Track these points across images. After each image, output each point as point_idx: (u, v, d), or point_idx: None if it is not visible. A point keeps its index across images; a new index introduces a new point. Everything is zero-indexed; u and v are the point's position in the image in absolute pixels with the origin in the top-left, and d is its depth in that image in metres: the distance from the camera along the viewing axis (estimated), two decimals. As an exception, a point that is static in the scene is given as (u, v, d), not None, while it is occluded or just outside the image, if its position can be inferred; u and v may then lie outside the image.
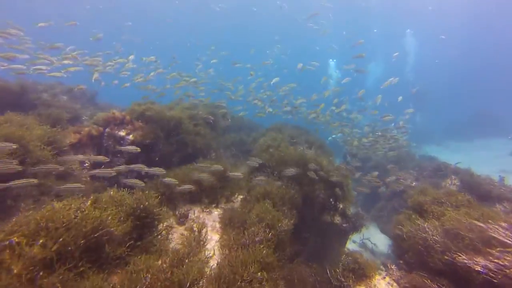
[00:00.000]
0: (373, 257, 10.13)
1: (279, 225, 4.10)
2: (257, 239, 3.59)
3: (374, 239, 10.36)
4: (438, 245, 4.11)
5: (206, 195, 5.37)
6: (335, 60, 32.01)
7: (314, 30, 25.99)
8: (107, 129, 7.65)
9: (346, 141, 13.28)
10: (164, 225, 3.98)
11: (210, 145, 8.47)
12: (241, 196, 5.72)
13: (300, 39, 39.18)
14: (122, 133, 7.69)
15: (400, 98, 13.63)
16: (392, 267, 4.83)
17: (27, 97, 9.39)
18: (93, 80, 10.63)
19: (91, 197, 3.52)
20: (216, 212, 5.19)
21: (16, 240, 2.71)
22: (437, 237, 4.19)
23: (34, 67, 8.87)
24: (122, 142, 7.71)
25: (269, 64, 18.00)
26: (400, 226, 6.05)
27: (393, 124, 12.95)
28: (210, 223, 4.85)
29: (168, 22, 36.08)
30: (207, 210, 5.15)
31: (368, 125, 14.11)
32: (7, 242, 2.67)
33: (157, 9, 35.72)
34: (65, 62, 9.92)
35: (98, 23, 29.98)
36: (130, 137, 7.82)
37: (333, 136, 15.60)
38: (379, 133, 11.81)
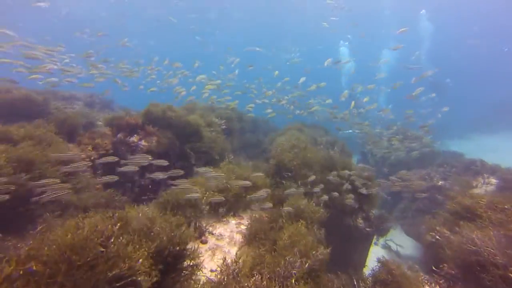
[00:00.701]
0: (399, 260, 9.59)
1: (313, 253, 3.58)
2: (293, 271, 3.11)
3: (398, 241, 9.78)
4: (499, 259, 3.50)
5: (222, 204, 5.04)
6: (346, 43, 30.73)
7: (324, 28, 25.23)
8: (119, 135, 7.52)
9: (367, 141, 12.74)
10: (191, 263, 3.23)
11: (226, 149, 8.23)
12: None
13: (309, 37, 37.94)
14: (134, 138, 7.55)
15: (420, 89, 12.77)
16: (440, 281, 4.17)
17: (48, 107, 9.56)
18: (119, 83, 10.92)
19: (117, 217, 2.89)
20: (233, 222, 4.89)
21: (34, 268, 2.26)
22: (493, 249, 3.59)
23: (66, 79, 9.33)
24: (134, 148, 7.58)
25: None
26: (433, 233, 5.56)
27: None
28: (228, 234, 4.55)
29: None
30: (224, 220, 4.85)
31: (389, 125, 13.51)
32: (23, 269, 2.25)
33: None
34: (93, 71, 10.22)
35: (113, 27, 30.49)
36: (143, 142, 7.68)
37: (347, 131, 15.03)
38: (398, 136, 11.23)
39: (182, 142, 7.89)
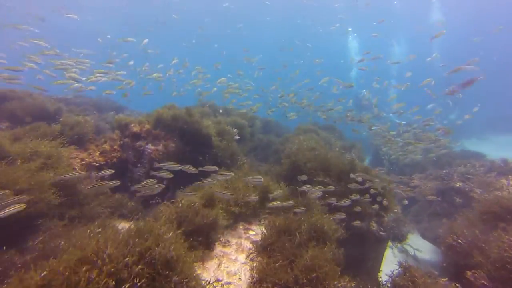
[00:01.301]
0: (417, 264, 9.14)
1: (336, 283, 3.23)
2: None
3: (415, 244, 9.33)
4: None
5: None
6: (355, 35, 29.90)
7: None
8: (126, 139, 7.50)
9: (382, 143, 12.34)
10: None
11: (236, 153, 8.04)
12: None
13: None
14: (142, 142, 7.51)
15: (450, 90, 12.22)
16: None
17: (60, 115, 9.76)
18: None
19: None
20: (241, 227, 4.70)
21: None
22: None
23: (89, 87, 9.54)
24: (142, 152, 7.54)
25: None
26: (454, 236, 5.18)
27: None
28: (235, 241, 4.39)
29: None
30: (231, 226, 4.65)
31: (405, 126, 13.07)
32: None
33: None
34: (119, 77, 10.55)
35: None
36: (150, 146, 7.63)
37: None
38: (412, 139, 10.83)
39: (193, 149, 7.71)
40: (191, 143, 7.52)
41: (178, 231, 3.13)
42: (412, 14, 31.76)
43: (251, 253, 4.23)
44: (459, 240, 4.46)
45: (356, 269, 5.53)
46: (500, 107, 30.60)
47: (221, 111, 12.12)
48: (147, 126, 7.37)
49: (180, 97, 15.30)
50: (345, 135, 13.55)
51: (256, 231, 4.83)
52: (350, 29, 27.97)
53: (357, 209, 5.39)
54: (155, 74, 11.96)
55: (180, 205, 4.05)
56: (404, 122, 13.37)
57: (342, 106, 13.02)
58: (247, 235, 4.73)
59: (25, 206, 3.22)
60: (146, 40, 15.66)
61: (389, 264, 8.06)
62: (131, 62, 15.37)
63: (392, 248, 8.75)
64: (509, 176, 8.55)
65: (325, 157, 5.99)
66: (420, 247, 9.25)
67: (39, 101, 9.01)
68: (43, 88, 9.15)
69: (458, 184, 8.89)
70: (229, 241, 4.47)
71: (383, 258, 7.12)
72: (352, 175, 5.50)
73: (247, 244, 4.50)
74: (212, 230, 4.05)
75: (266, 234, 4.24)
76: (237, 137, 8.47)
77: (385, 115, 14.45)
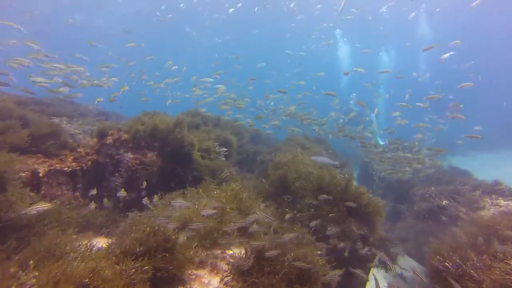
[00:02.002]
0: (405, 284, 8.88)
1: None
2: None
3: (401, 263, 9.10)
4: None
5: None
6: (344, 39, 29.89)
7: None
8: (103, 147, 7.10)
9: (372, 159, 12.28)
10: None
11: (220, 169, 7.66)
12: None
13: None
14: (121, 150, 7.10)
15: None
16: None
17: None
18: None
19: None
20: (219, 251, 4.33)
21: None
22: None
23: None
24: (121, 161, 7.12)
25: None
26: (441, 258, 4.96)
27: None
28: (210, 261, 4.01)
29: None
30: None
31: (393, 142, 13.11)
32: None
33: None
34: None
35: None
36: (129, 155, 7.23)
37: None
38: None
39: (173, 161, 7.31)
40: (172, 156, 7.14)
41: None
42: (400, 24, 32.26)
43: (226, 276, 3.88)
44: (447, 265, 4.24)
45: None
46: (483, 126, 31.43)
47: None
48: (125, 136, 6.96)
49: (175, 103, 15.07)
50: (333, 147, 13.45)
51: (235, 251, 4.49)
52: (331, 41, 28.10)
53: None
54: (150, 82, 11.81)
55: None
56: (382, 143, 13.43)
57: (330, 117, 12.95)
58: (224, 255, 4.38)
59: None
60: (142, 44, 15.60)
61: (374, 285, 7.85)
62: (132, 63, 15.24)
63: (378, 267, 8.50)
64: (493, 196, 8.54)
65: (321, 177, 5.63)
66: (407, 266, 9.03)
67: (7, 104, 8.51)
68: (31, 91, 8.72)
69: (444, 202, 8.81)
70: (203, 262, 4.10)
71: (369, 277, 6.85)
72: (348, 203, 5.23)
73: (223, 266, 4.15)
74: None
75: (244, 256, 3.90)
76: (222, 156, 8.11)
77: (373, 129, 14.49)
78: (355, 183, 6.40)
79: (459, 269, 4.05)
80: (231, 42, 37.13)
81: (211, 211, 4.02)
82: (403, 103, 11.34)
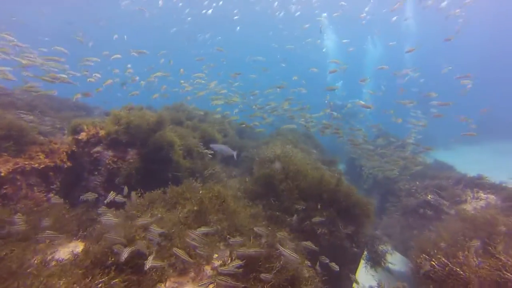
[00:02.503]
0: (391, 277, 8.95)
1: None
2: None
3: (389, 258, 9.18)
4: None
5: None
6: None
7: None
8: (80, 144, 6.63)
9: (360, 155, 12.25)
10: None
11: (203, 169, 7.31)
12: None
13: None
14: (99, 148, 6.65)
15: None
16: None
17: None
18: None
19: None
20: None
21: None
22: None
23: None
24: (100, 159, 6.68)
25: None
26: (426, 257, 4.91)
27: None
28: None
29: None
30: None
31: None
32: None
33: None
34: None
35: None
36: (109, 152, 6.79)
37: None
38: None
39: (153, 162, 6.89)
40: (152, 155, 6.73)
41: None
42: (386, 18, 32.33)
43: (211, 282, 3.64)
44: (434, 264, 4.16)
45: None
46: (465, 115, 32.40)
47: (202, 113, 11.40)
48: (102, 132, 6.50)
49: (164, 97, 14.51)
50: (320, 143, 13.34)
51: (221, 255, 4.23)
52: (318, 41, 28.01)
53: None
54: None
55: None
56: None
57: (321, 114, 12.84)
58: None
59: None
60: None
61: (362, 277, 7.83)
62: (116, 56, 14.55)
63: (365, 264, 8.53)
64: (474, 189, 8.68)
65: (319, 178, 5.34)
66: (393, 260, 9.11)
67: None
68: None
69: (429, 197, 8.89)
70: (186, 269, 3.83)
71: (356, 274, 6.81)
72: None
73: (208, 271, 3.90)
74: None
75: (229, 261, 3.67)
76: (207, 155, 7.75)
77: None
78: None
79: (446, 268, 3.97)
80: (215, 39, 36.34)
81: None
82: (407, 101, 11.34)
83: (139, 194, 5.29)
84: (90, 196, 5.15)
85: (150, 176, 6.48)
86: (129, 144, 6.69)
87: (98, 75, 12.02)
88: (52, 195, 6.03)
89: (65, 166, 6.27)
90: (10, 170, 5.31)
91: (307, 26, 23.29)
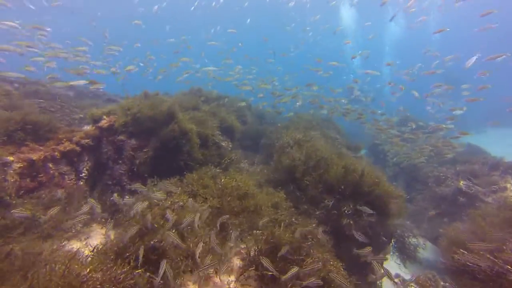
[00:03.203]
0: (419, 265, 8.57)
1: None
2: None
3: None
4: None
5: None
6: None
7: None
8: (104, 133, 6.64)
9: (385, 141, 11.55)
10: None
11: (221, 155, 7.10)
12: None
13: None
14: (122, 137, 6.65)
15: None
16: None
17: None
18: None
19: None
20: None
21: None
22: None
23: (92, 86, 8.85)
24: (122, 147, 6.70)
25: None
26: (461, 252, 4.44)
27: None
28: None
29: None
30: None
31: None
32: None
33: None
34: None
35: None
36: (133, 141, 6.78)
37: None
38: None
39: (169, 151, 6.78)
40: (164, 144, 6.62)
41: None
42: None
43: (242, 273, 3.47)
44: (468, 261, 3.67)
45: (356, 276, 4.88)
46: (495, 101, 29.71)
47: (226, 99, 11.10)
48: (121, 121, 6.45)
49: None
50: (339, 126, 12.73)
51: (248, 245, 4.06)
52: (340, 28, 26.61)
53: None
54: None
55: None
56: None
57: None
58: (238, 249, 3.96)
59: None
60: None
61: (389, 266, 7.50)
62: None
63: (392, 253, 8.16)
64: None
65: (345, 169, 4.91)
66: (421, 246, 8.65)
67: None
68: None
69: (461, 183, 8.19)
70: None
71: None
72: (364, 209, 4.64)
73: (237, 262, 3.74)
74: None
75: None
76: (227, 144, 7.49)
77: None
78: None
79: (491, 269, 3.47)
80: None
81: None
82: (446, 86, 10.39)
83: (155, 183, 5.24)
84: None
85: (163, 164, 6.43)
86: (141, 133, 6.66)
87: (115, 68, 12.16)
88: (82, 183, 6.21)
89: (90, 153, 6.38)
90: (42, 158, 5.43)
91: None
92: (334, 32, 17.73)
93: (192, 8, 32.13)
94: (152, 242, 2.94)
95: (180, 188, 4.70)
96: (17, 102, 6.81)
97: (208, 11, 34.61)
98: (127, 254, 2.74)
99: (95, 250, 2.89)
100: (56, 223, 3.84)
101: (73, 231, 4.20)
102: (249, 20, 33.58)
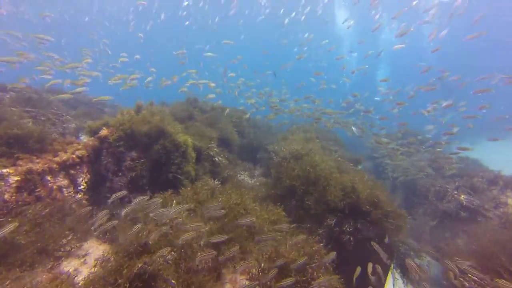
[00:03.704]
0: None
1: None
2: None
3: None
4: None
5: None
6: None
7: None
8: (104, 145, 6.51)
9: (386, 157, 11.47)
10: None
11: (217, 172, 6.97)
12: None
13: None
14: (122, 148, 6.52)
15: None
16: None
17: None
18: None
19: None
20: None
21: None
22: None
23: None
24: (123, 158, 6.56)
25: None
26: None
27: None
28: None
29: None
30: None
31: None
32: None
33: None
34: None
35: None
36: (133, 153, 6.65)
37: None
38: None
39: (163, 164, 6.68)
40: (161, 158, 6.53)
41: None
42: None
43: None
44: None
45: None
46: (488, 114, 29.90)
47: (227, 110, 11.00)
48: (115, 136, 6.35)
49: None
50: (338, 136, 12.62)
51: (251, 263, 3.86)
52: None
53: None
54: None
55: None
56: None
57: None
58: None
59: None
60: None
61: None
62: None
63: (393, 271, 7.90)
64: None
65: (346, 186, 4.84)
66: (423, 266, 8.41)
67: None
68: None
69: (462, 197, 8.05)
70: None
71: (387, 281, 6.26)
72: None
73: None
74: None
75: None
76: (224, 160, 7.34)
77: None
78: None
79: None
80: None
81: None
82: (446, 103, 10.40)
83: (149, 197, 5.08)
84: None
85: (159, 177, 6.32)
86: (136, 146, 6.58)
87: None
88: (80, 195, 6.01)
89: (89, 165, 6.22)
90: (40, 170, 5.25)
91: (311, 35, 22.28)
92: (329, 50, 17.93)
93: (187, 23, 32.52)
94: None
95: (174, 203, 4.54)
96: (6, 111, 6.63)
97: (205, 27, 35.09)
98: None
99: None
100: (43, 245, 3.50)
101: (68, 249, 3.98)
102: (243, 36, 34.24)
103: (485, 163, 14.76)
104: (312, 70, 16.33)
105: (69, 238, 4.10)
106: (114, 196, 4.60)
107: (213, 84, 11.58)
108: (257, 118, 13.28)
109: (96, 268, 2.91)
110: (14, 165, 4.85)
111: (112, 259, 2.96)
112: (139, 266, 2.73)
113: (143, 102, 7.83)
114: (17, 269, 2.98)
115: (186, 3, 27.94)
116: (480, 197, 7.89)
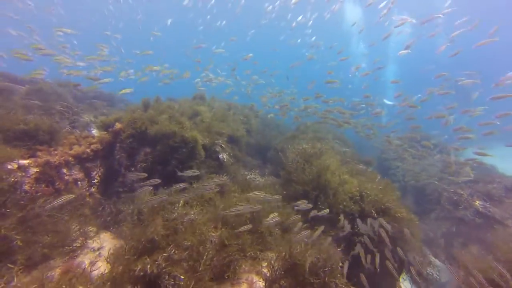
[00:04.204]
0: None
1: None
2: None
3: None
4: None
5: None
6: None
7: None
8: (117, 139, 6.52)
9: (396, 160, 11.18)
10: None
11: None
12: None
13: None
14: (134, 144, 6.51)
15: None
16: None
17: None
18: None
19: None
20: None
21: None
22: None
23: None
24: (136, 153, 6.55)
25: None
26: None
27: None
28: None
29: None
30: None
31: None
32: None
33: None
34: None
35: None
36: (146, 149, 6.63)
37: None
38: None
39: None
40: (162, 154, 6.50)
41: None
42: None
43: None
44: None
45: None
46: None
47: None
48: (127, 132, 6.35)
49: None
50: (346, 137, 12.30)
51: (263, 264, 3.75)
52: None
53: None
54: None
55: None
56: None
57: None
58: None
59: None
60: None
61: None
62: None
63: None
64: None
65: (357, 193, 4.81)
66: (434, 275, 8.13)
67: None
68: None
69: (477, 203, 7.73)
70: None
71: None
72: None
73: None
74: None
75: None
76: (230, 160, 7.22)
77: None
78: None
79: None
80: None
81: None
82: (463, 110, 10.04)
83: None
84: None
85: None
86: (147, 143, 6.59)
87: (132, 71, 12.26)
88: (94, 189, 6.04)
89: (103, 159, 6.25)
90: (57, 162, 5.27)
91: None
92: (338, 52, 17.59)
93: (201, 27, 32.77)
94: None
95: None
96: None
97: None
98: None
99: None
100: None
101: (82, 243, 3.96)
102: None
103: (502, 170, 14.19)
104: (319, 71, 16.11)
105: (85, 229, 4.10)
106: (148, 182, 4.60)
107: (229, 81, 11.60)
108: (270, 117, 13.13)
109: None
110: (32, 156, 4.88)
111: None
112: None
113: (150, 98, 7.83)
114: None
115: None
116: (496, 204, 7.55)
